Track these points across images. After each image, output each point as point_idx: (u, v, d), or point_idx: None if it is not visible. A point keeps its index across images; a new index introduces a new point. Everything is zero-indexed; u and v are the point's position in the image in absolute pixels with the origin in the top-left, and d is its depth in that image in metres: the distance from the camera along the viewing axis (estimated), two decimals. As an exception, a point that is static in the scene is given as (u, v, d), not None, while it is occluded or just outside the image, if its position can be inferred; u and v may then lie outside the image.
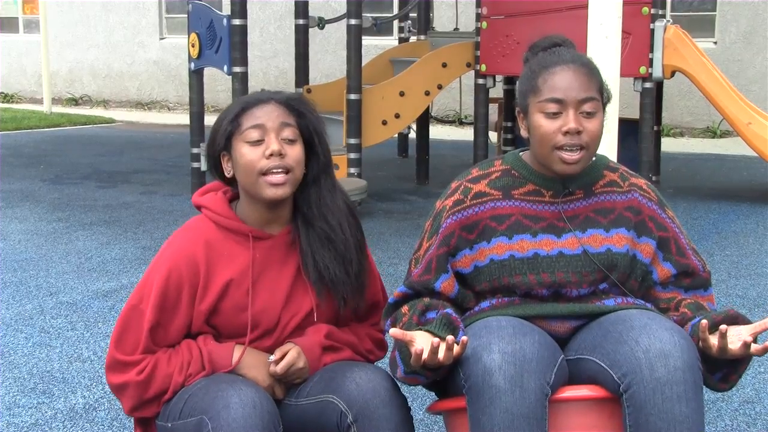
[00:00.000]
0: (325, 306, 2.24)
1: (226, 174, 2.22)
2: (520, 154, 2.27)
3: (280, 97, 2.19)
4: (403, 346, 2.02)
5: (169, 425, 2.13)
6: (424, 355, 1.93)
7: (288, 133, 2.14)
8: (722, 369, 2.06)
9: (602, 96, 2.16)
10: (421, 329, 2.03)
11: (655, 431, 1.90)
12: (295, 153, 2.14)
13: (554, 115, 2.11)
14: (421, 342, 1.96)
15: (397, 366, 2.07)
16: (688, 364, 1.94)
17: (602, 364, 2.00)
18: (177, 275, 2.14)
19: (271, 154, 2.11)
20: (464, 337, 1.95)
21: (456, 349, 1.93)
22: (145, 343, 2.14)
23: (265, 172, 2.12)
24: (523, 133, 2.21)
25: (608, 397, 2.01)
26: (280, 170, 2.12)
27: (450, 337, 1.92)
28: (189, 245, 2.17)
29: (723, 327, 1.97)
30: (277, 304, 2.19)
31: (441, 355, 1.93)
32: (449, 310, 2.07)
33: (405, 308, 2.17)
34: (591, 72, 2.15)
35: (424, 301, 2.16)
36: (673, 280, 2.25)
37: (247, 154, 2.13)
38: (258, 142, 2.13)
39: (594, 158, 2.26)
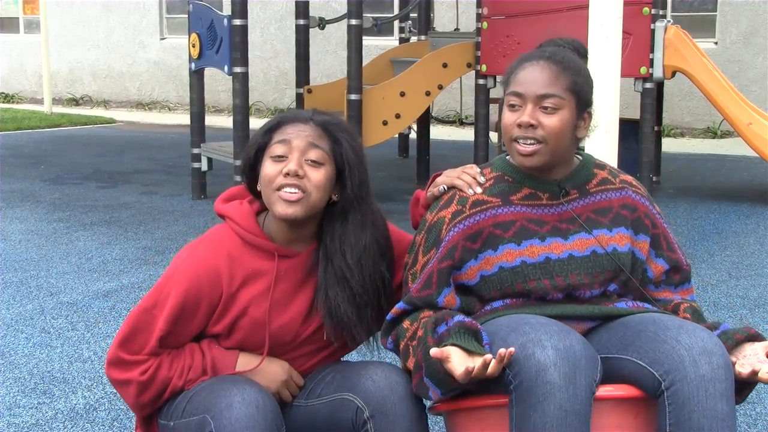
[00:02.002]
0: (335, 333, 2.21)
1: (257, 187, 2.17)
2: (507, 157, 2.27)
3: (319, 119, 2.14)
4: (433, 371, 1.98)
5: (171, 424, 2.13)
6: (474, 372, 1.90)
7: (314, 155, 2.09)
8: (736, 383, 2.05)
9: (575, 95, 2.14)
10: (446, 345, 1.99)
11: (697, 428, 1.90)
12: (317, 177, 2.08)
13: (514, 108, 2.14)
14: (458, 360, 1.93)
15: (428, 389, 2.02)
16: (727, 363, 1.96)
17: (640, 363, 1.99)
18: (197, 289, 2.10)
19: (287, 173, 2.07)
20: (511, 349, 1.91)
21: (504, 360, 1.91)
22: (153, 348, 2.13)
23: (279, 188, 2.08)
24: None
25: (638, 397, 2.01)
26: (294, 189, 2.07)
27: (501, 350, 1.90)
28: (212, 258, 2.12)
29: (757, 368, 1.98)
30: (296, 321, 2.18)
31: (491, 369, 1.90)
32: (459, 318, 2.04)
33: (406, 323, 2.15)
34: (562, 70, 2.14)
35: (427, 313, 2.13)
36: (665, 278, 2.28)
37: (268, 168, 2.10)
38: (281, 158, 2.09)
39: (581, 158, 2.27)
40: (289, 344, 2.20)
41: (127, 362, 2.13)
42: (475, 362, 1.90)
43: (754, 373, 1.98)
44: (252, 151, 2.15)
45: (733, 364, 2.01)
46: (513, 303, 2.15)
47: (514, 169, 2.22)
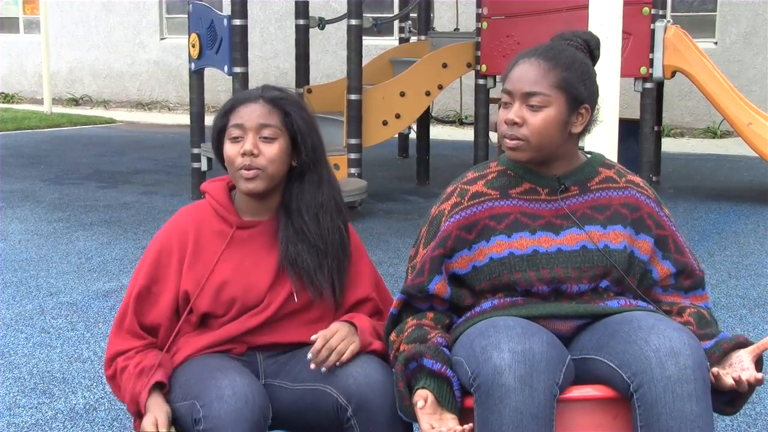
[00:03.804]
0: (305, 291, 2.29)
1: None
2: None
3: (269, 95, 2.30)
4: (405, 411, 2.04)
5: None
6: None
7: (267, 132, 2.26)
8: (728, 393, 2.05)
9: (564, 92, 2.13)
10: (420, 388, 2.03)
11: (666, 430, 1.90)
12: (271, 152, 2.25)
13: (506, 105, 2.17)
14: (428, 409, 1.99)
15: (405, 420, 2.09)
16: (697, 362, 1.94)
17: (611, 364, 2.00)
18: (168, 245, 2.29)
19: (244, 153, 2.24)
20: (470, 425, 1.95)
21: None
22: (132, 312, 2.24)
23: (239, 168, 2.25)
24: None
25: (614, 397, 2.01)
26: (250, 167, 2.24)
27: (466, 427, 1.94)
28: (183, 221, 2.33)
29: (715, 371, 1.99)
30: (263, 285, 2.27)
31: None
32: (425, 361, 2.05)
33: (393, 335, 2.20)
34: (552, 67, 2.14)
35: (411, 323, 2.18)
36: (674, 282, 2.25)
37: (228, 149, 2.28)
38: (237, 139, 2.27)
39: (590, 156, 2.28)
40: (262, 313, 2.25)
41: (114, 348, 2.25)
42: (440, 426, 1.95)
43: (714, 376, 1.98)
44: (214, 135, 2.34)
45: (725, 384, 1.99)
46: (501, 304, 2.16)
47: (518, 165, 2.24)
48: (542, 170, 2.21)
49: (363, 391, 2.10)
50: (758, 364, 2.05)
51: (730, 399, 2.06)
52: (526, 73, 2.14)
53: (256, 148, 2.24)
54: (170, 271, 2.27)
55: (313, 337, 2.19)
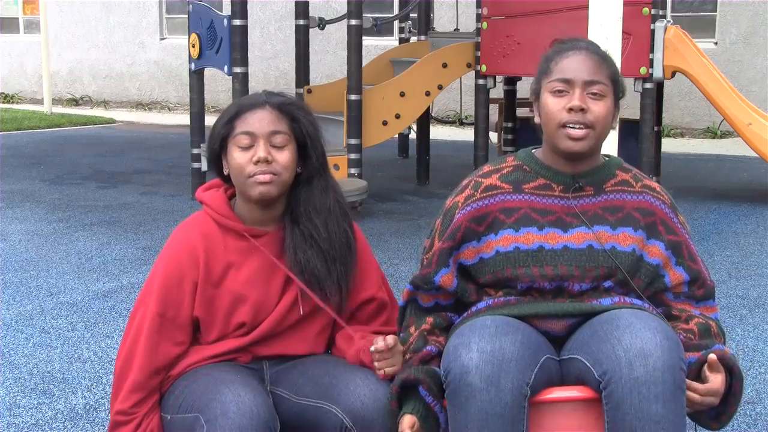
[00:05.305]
0: (310, 299, 2.27)
1: (224, 172, 2.28)
2: (533, 150, 2.30)
3: (275, 102, 2.24)
4: (391, 421, 2.07)
5: (169, 417, 2.17)
6: None
7: (278, 140, 2.21)
8: (714, 408, 2.05)
9: (614, 85, 2.20)
10: (408, 413, 2.05)
11: (630, 430, 1.90)
12: (283, 158, 2.20)
13: (561, 93, 2.17)
14: None
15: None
16: (668, 364, 1.93)
17: (586, 363, 2.01)
18: (178, 266, 2.21)
19: (258, 161, 2.18)
20: None
21: None
22: (148, 345, 2.16)
23: (251, 175, 2.19)
24: (536, 119, 2.26)
25: (593, 398, 2.00)
26: (265, 174, 2.19)
27: None
28: (189, 238, 2.24)
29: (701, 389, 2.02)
30: (273, 296, 2.25)
31: None
32: (421, 390, 2.06)
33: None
34: (603, 60, 2.19)
35: (415, 334, 2.20)
36: (686, 290, 2.24)
37: (238, 157, 2.21)
38: (248, 148, 2.20)
39: (608, 158, 2.30)
40: (267, 320, 2.24)
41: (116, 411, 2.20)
42: None
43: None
44: (217, 143, 2.27)
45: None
46: (495, 304, 2.17)
47: (534, 161, 2.25)
48: (560, 166, 2.21)
49: (372, 417, 2.08)
50: (732, 375, 2.05)
51: (715, 414, 2.07)
52: (584, 63, 2.17)
53: (269, 155, 2.18)
54: (184, 294, 2.20)
55: (380, 343, 2.12)
